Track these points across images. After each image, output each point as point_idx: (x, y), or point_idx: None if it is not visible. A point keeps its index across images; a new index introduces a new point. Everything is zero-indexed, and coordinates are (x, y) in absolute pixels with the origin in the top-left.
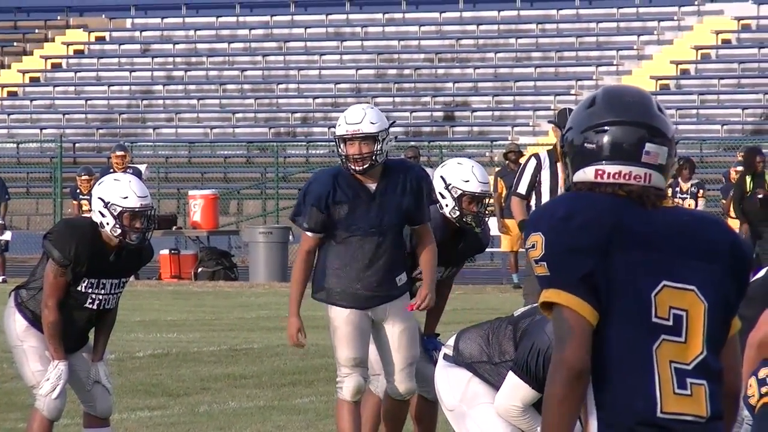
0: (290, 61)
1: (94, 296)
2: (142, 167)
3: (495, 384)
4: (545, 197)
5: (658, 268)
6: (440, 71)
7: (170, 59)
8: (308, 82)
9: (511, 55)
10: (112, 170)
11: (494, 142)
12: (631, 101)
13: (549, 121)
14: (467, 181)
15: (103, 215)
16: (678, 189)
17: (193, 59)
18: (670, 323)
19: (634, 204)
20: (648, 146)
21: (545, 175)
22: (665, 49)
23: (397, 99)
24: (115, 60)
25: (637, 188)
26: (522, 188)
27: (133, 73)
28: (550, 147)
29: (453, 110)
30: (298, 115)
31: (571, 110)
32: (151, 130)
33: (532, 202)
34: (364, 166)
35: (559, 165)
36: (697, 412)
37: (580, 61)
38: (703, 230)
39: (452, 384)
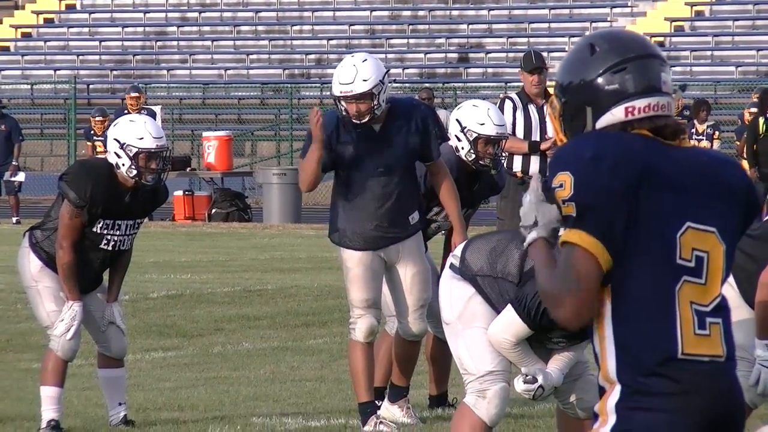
0: (304, 2)
1: (109, 237)
2: (157, 108)
3: (494, 301)
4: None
5: (683, 210)
6: (454, 12)
7: (184, 0)
8: (322, 23)
9: None
10: (126, 111)
11: (508, 84)
12: (631, 37)
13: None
14: (483, 123)
15: (118, 156)
16: (694, 131)
17: (208, 0)
18: (692, 265)
19: (659, 143)
20: (663, 75)
21: (519, 117)
22: None
23: (412, 40)
24: (130, 1)
25: (670, 122)
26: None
27: (147, 14)
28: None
29: (467, 51)
30: (312, 56)
31: (537, 53)
32: (165, 72)
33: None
34: (363, 120)
35: (531, 107)
36: (715, 351)
37: (594, 3)
38: (724, 172)
39: (453, 298)
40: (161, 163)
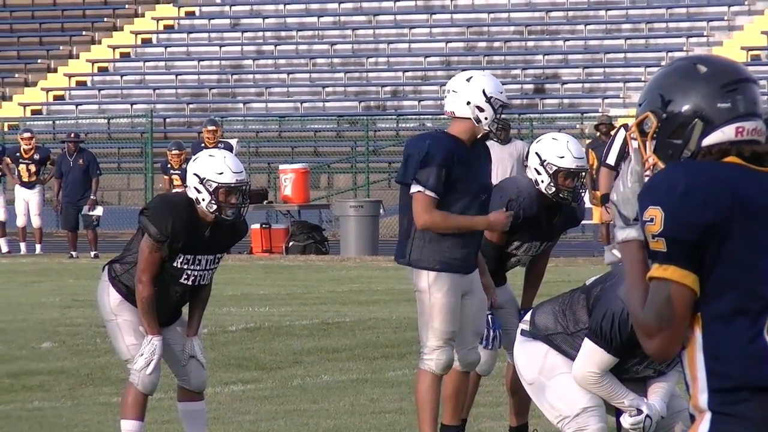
0: (380, 34)
1: (189, 272)
2: (233, 141)
3: (572, 354)
4: None
5: None
6: (530, 43)
7: (260, 33)
8: (398, 55)
9: (601, 27)
10: (203, 145)
11: (584, 114)
12: (729, 62)
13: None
14: (562, 157)
15: (198, 191)
16: None
17: (283, 33)
18: None
19: (752, 171)
20: (759, 100)
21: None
22: (757, 19)
23: (487, 71)
24: (205, 35)
25: (765, 147)
26: (611, 159)
27: (223, 48)
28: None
29: (543, 83)
30: (387, 88)
31: None
32: (241, 105)
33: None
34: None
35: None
36: None
37: (670, 33)
38: None
39: (530, 357)
40: (241, 197)
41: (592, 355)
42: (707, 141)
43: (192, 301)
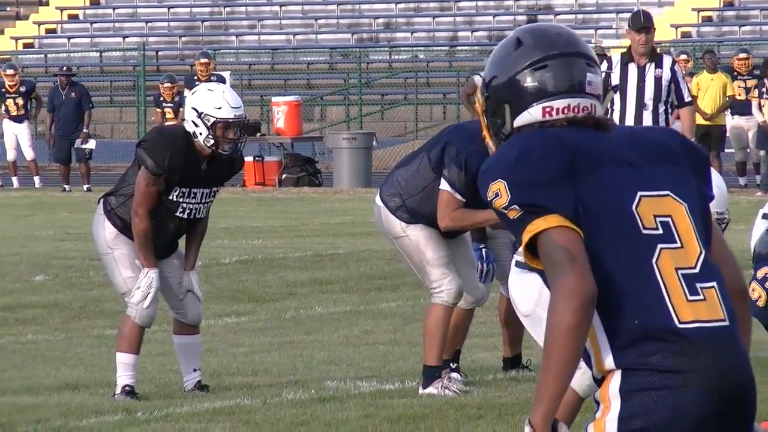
0: None
1: (185, 205)
2: (226, 74)
3: None
4: (616, 99)
5: (628, 181)
6: None
7: None
8: None
9: None
10: (195, 78)
11: None
12: (559, 33)
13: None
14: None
15: (196, 125)
16: (764, 90)
17: None
18: (660, 231)
19: (585, 128)
20: (589, 76)
21: (615, 77)
22: None
23: (480, 3)
24: None
25: (588, 118)
26: None
27: None
28: (625, 49)
29: (536, 13)
30: (380, 20)
31: (646, 12)
32: (233, 38)
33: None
34: None
35: (630, 66)
36: (716, 316)
37: None
38: (654, 137)
39: (526, 289)
40: (239, 132)
41: None
42: (517, 122)
43: (189, 234)
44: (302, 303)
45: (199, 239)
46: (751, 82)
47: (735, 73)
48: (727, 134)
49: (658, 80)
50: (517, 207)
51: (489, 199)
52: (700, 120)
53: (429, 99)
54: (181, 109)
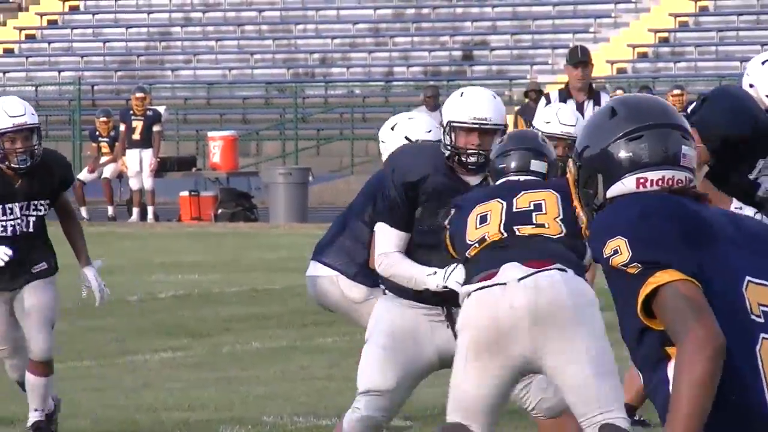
0: (308, 1)
1: (5, 223)
2: (161, 109)
3: None
4: None
5: (740, 263)
6: (458, 10)
7: (188, 0)
8: (326, 22)
9: None
10: (131, 112)
11: (513, 81)
12: (655, 104)
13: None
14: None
15: None
16: None
17: (211, 0)
18: (763, 320)
19: (693, 201)
20: (684, 149)
21: None
22: None
23: (416, 38)
24: (133, 1)
25: (686, 191)
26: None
27: (151, 15)
28: (563, 86)
29: (471, 49)
30: (316, 55)
31: (583, 48)
32: (169, 72)
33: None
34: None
35: (569, 102)
36: None
37: None
38: (754, 226)
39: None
40: (32, 141)
41: None
42: (610, 192)
43: (68, 238)
44: (239, 338)
45: (76, 234)
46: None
47: None
48: None
49: None
50: (638, 264)
51: (605, 257)
52: None
53: (365, 134)
54: (116, 144)
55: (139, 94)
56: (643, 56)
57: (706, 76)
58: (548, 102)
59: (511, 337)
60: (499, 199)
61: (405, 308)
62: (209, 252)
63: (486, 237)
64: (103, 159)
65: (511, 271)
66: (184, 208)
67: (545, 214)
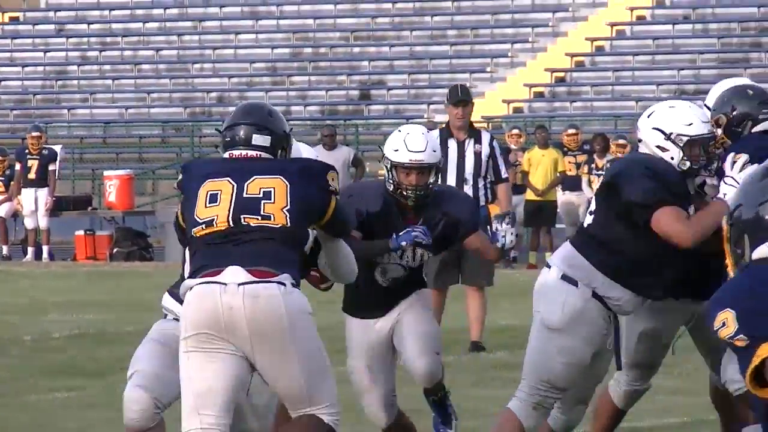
0: (205, 40)
1: None
2: (58, 148)
3: None
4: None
5: None
6: (356, 49)
7: (85, 39)
8: (223, 61)
9: (427, 33)
10: (26, 151)
11: (410, 120)
12: None
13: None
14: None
15: None
16: (594, 165)
17: (108, 39)
18: None
19: None
20: None
21: None
22: (580, 26)
23: (313, 78)
24: (30, 40)
25: None
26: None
27: (48, 54)
28: (444, 125)
29: (369, 89)
30: (213, 94)
31: (463, 86)
32: (65, 111)
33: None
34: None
35: (450, 142)
36: None
37: (495, 39)
38: None
39: (553, 302)
40: None
41: None
42: (755, 254)
43: None
44: None
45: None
46: (581, 158)
47: (565, 149)
48: (558, 210)
49: (477, 155)
50: (743, 337)
51: (715, 328)
52: (531, 195)
53: None
54: (12, 183)
55: (35, 133)
56: (539, 95)
57: (601, 115)
58: None
59: (229, 332)
60: (230, 179)
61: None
62: (104, 291)
63: (214, 222)
64: None
65: (234, 275)
66: (80, 247)
67: (273, 203)
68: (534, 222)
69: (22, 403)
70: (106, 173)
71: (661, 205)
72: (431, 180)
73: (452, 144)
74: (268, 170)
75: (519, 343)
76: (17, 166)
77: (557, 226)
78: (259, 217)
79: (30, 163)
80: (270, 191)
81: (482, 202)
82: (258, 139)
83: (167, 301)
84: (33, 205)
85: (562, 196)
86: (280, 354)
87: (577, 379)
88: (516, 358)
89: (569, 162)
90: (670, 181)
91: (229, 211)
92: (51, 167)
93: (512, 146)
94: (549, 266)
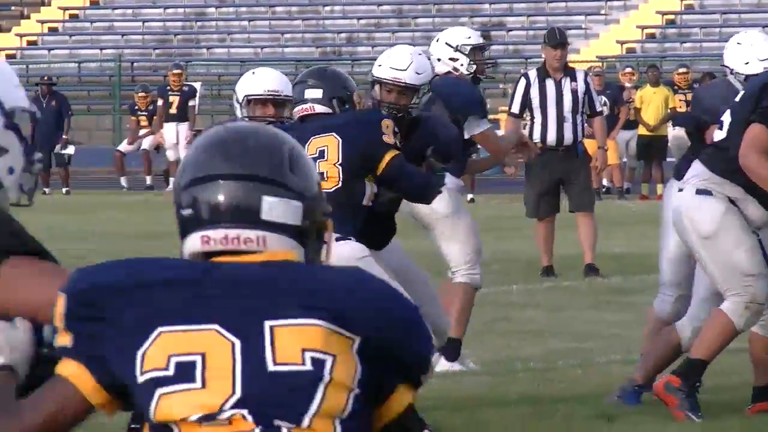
0: None
1: None
2: (197, 85)
3: None
4: (536, 114)
5: None
6: None
7: None
8: (352, 3)
9: None
10: (168, 87)
11: (529, 60)
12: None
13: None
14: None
15: None
16: None
17: None
18: None
19: None
20: None
21: (534, 93)
22: None
23: (437, 19)
24: None
25: None
26: (515, 108)
27: None
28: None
29: (489, 30)
30: (342, 35)
31: (561, 30)
32: (204, 50)
33: (534, 119)
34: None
35: (548, 81)
36: None
37: None
38: None
39: (706, 211)
40: None
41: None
42: None
43: None
44: None
45: None
46: (691, 96)
47: (676, 87)
48: (669, 144)
49: (574, 93)
50: None
51: None
52: (643, 131)
53: None
54: (154, 117)
55: (176, 71)
56: (651, 37)
57: (710, 55)
58: (528, 82)
59: None
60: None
61: None
62: None
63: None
64: (142, 132)
65: None
66: None
67: (326, 160)
68: (646, 155)
69: None
70: None
71: None
72: (414, 102)
73: (550, 83)
74: (321, 129)
75: (633, 269)
76: (159, 102)
77: (668, 159)
78: None
79: (171, 98)
80: (324, 149)
81: (579, 138)
82: (310, 93)
83: None
84: (174, 138)
85: (672, 132)
86: None
87: (762, 261)
88: (630, 283)
89: (679, 99)
90: None
91: None
92: (191, 103)
93: (626, 84)
94: (681, 189)
